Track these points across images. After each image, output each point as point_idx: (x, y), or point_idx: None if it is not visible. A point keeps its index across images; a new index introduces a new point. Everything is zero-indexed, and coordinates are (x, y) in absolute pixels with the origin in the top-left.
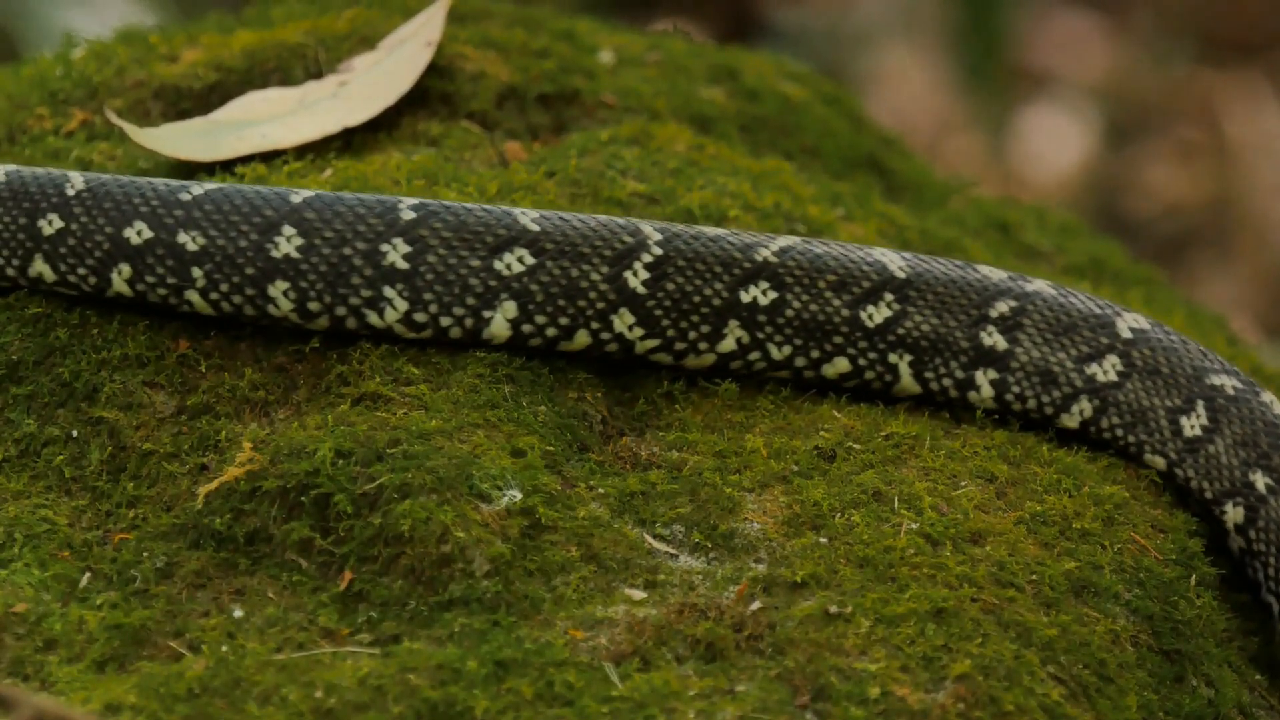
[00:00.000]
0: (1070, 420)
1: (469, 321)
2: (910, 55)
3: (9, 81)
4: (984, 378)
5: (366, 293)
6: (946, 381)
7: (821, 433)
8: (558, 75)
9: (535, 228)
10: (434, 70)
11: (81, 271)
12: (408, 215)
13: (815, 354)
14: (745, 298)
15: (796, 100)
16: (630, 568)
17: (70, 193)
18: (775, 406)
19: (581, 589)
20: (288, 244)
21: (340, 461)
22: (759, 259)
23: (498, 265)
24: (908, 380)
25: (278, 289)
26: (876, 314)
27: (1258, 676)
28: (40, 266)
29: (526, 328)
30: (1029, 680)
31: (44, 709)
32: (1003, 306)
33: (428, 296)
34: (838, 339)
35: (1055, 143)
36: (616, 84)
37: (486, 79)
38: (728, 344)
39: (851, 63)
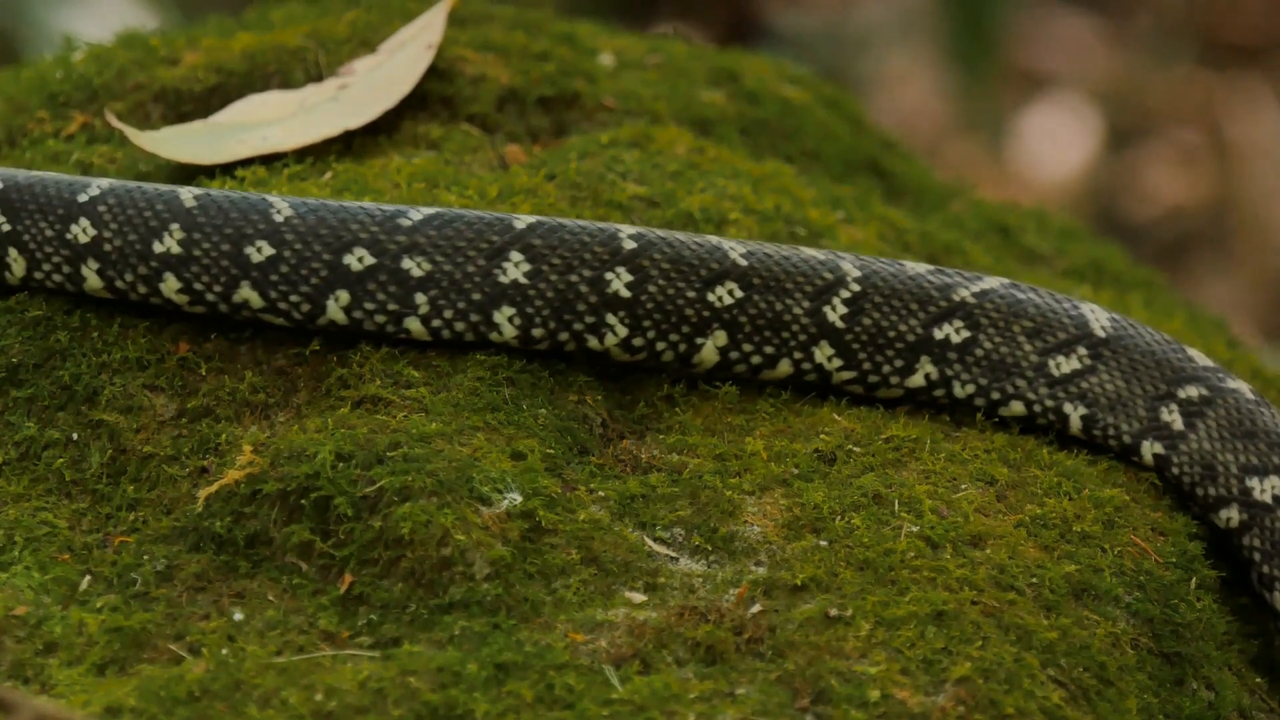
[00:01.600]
0: (1219, 520)
1: (682, 347)
2: (910, 58)
3: (9, 84)
4: (1149, 449)
5: (590, 319)
6: (1112, 441)
7: (821, 436)
8: (558, 78)
9: (744, 263)
10: (434, 73)
11: (294, 299)
12: (629, 245)
13: (995, 395)
14: (939, 335)
15: (797, 103)
16: (630, 571)
17: (278, 219)
18: (775, 409)
19: (582, 592)
20: (515, 270)
21: (340, 464)
22: (956, 299)
23: (710, 297)
24: (1075, 428)
25: (503, 315)
26: (1065, 364)
27: (1258, 679)
28: (247, 293)
29: (734, 354)
30: (1029, 683)
31: (44, 712)
32: (1193, 391)
33: (646, 324)
34: (1020, 383)
35: (1056, 146)
36: (617, 87)
37: (487, 82)
38: (917, 379)
39: (852, 66)
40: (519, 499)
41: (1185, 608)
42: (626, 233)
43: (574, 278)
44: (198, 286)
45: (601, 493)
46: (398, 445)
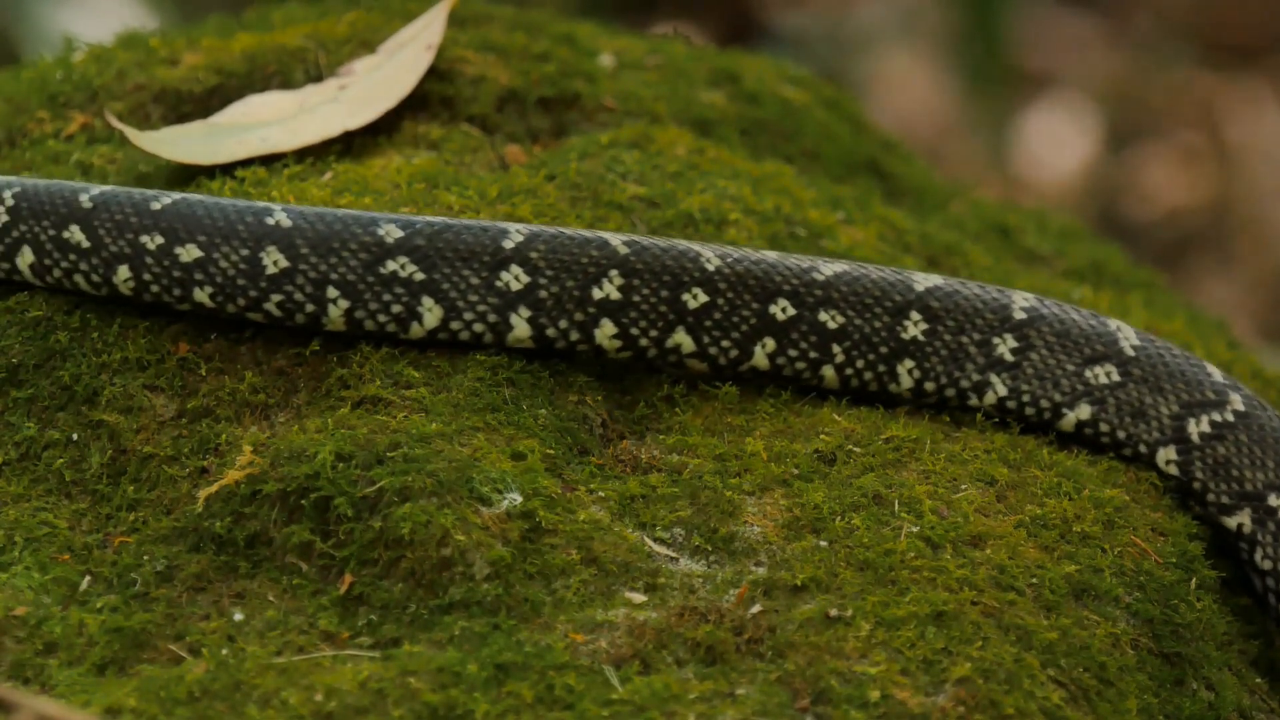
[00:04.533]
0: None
1: (1048, 415)
2: (910, 59)
3: (9, 84)
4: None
5: (976, 377)
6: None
7: (822, 436)
8: (558, 79)
9: (1131, 353)
10: (434, 74)
11: (725, 344)
12: (1019, 315)
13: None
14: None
15: (797, 104)
16: (630, 571)
17: (710, 268)
18: (775, 410)
19: (582, 592)
20: (914, 328)
21: (340, 465)
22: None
23: (1088, 374)
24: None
25: (904, 367)
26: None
27: (1258, 680)
28: (681, 338)
29: (1103, 426)
30: (1029, 683)
31: (45, 712)
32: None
33: (1024, 388)
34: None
35: (1056, 146)
36: (617, 88)
37: (487, 82)
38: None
39: (852, 66)
40: (519, 499)
41: (1185, 608)
42: (1019, 304)
43: (964, 339)
44: (634, 331)
45: (601, 493)
46: (398, 445)
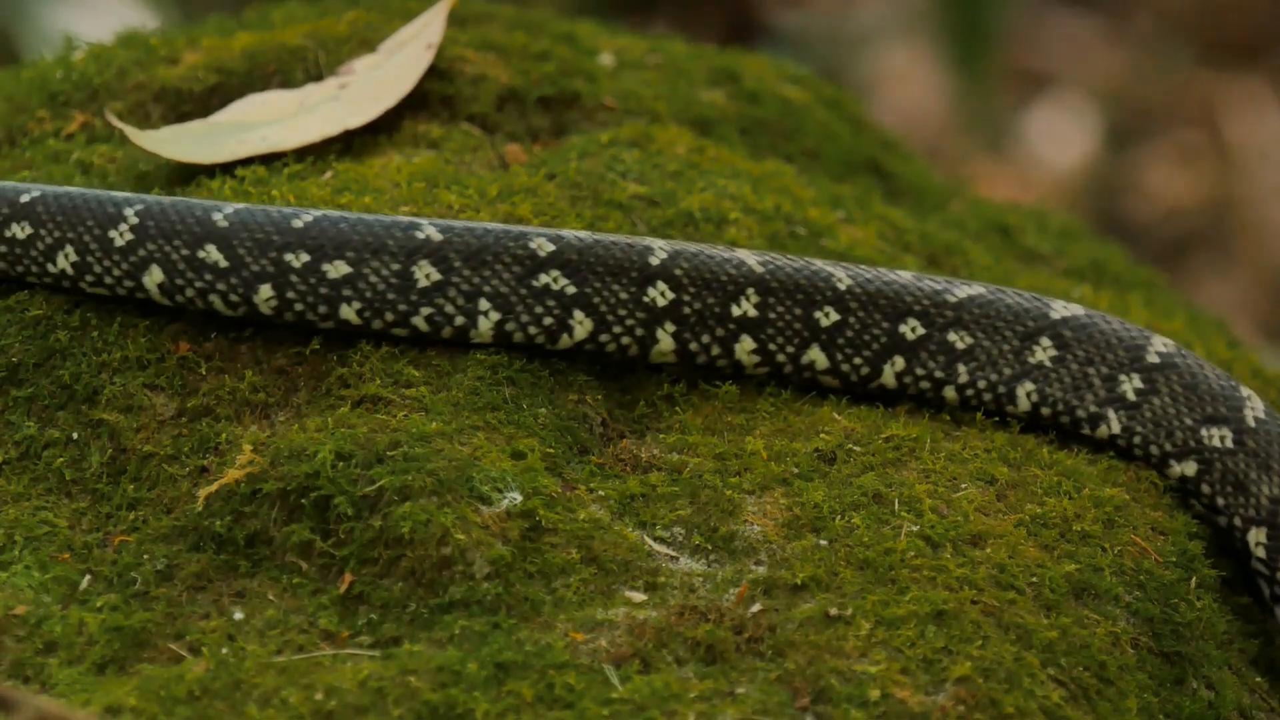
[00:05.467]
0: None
1: (1155, 461)
2: (910, 58)
3: (9, 84)
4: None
5: (1093, 409)
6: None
7: (822, 435)
8: (558, 78)
9: (1252, 424)
10: (434, 73)
11: (856, 362)
12: (1152, 358)
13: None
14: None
15: (797, 103)
16: (630, 570)
17: (841, 287)
18: (775, 409)
19: (582, 591)
20: (1043, 353)
21: (340, 464)
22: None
23: (1203, 432)
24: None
25: (1023, 389)
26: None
27: (1258, 679)
28: (815, 354)
29: (1204, 487)
30: (1029, 682)
31: (45, 711)
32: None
33: (1138, 429)
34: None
35: (1056, 145)
36: (617, 87)
37: (487, 82)
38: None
39: (852, 65)
40: (519, 498)
41: (1185, 607)
42: (1155, 347)
43: (1090, 370)
44: (771, 348)
45: (601, 492)
46: (398, 445)
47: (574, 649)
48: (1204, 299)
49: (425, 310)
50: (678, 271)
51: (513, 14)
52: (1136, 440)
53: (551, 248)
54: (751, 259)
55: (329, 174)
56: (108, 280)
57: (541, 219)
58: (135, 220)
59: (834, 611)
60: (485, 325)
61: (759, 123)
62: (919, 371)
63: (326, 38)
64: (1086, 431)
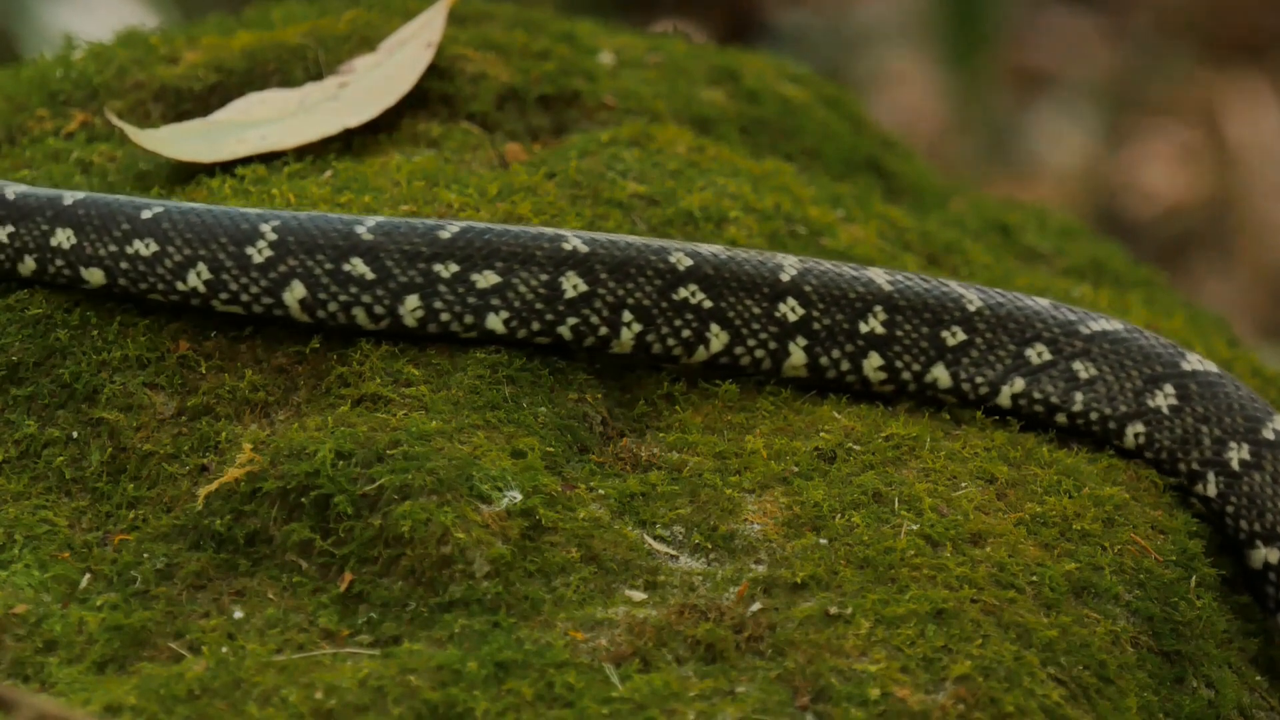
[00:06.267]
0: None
1: (1243, 536)
2: (910, 57)
3: (9, 83)
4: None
5: (1195, 467)
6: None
7: (822, 434)
8: (558, 77)
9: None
10: (434, 72)
11: (979, 380)
12: (1269, 434)
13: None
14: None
15: (797, 102)
16: (630, 569)
17: (971, 309)
18: (775, 408)
19: (582, 590)
20: (1163, 399)
21: (340, 463)
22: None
23: None
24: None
25: (1131, 430)
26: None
27: (1258, 678)
28: (939, 373)
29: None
30: (1029, 681)
31: (45, 710)
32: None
33: (1233, 497)
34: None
35: (1055, 144)
36: (617, 86)
37: (487, 80)
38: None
39: (852, 64)
40: (519, 497)
41: (1185, 606)
42: (1275, 425)
43: (1204, 429)
44: (898, 365)
45: (601, 491)
46: (398, 443)
47: (574, 648)
48: (1204, 297)
49: (571, 320)
50: (807, 288)
51: (512, 13)
52: (1229, 511)
53: (690, 262)
54: (881, 277)
55: (329, 173)
56: (244, 298)
57: (541, 218)
58: (274, 236)
59: (834, 610)
60: (627, 336)
61: (759, 121)
62: (1036, 395)
63: (326, 36)
64: (1185, 485)
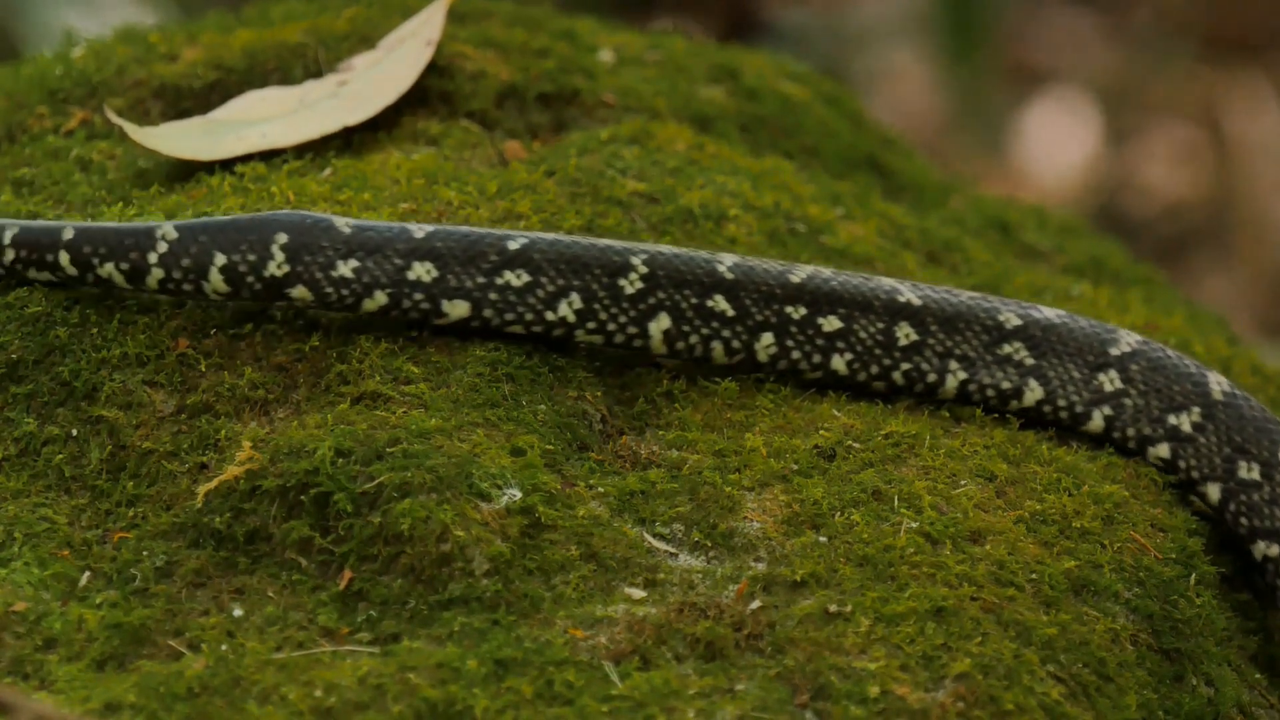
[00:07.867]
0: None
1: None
2: (910, 55)
3: (9, 80)
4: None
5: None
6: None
7: (821, 432)
8: (557, 75)
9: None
10: (434, 69)
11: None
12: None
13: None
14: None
15: (796, 100)
16: (630, 567)
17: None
18: (775, 405)
19: (581, 588)
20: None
21: (340, 460)
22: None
23: None
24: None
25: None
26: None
27: (1257, 675)
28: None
29: None
30: (1029, 679)
31: (44, 712)
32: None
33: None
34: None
35: (1055, 142)
36: (616, 83)
37: (486, 78)
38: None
39: (851, 62)
40: (518, 495)
41: (1185, 604)
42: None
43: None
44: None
45: (601, 489)
46: (397, 441)
47: (573, 646)
48: (1203, 295)
49: (905, 366)
50: (1133, 368)
51: (512, 10)
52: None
53: (1019, 322)
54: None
55: (328, 171)
56: (610, 327)
57: (540, 216)
58: (645, 270)
59: (833, 608)
60: (951, 383)
61: (758, 119)
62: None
63: (326, 34)
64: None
